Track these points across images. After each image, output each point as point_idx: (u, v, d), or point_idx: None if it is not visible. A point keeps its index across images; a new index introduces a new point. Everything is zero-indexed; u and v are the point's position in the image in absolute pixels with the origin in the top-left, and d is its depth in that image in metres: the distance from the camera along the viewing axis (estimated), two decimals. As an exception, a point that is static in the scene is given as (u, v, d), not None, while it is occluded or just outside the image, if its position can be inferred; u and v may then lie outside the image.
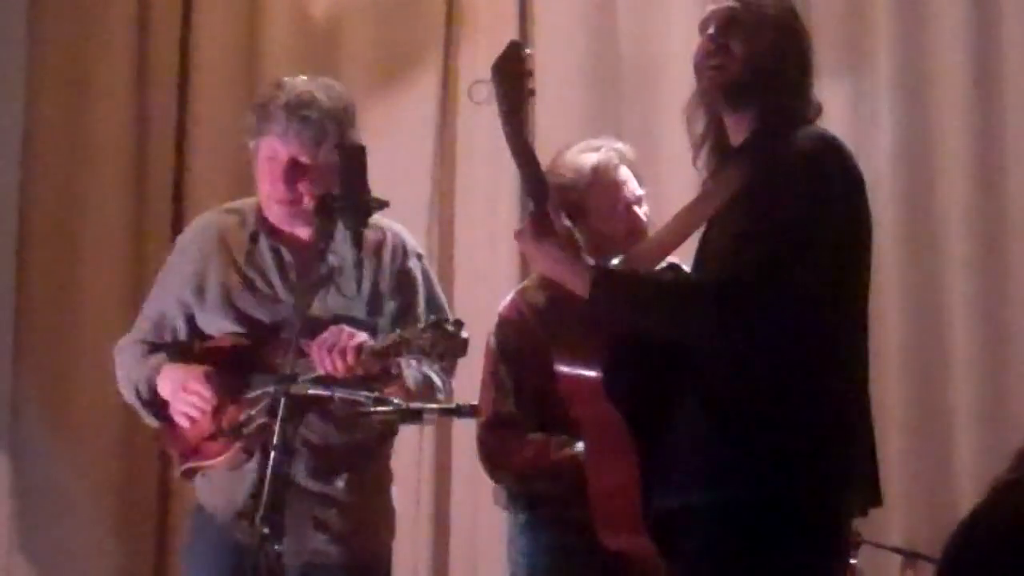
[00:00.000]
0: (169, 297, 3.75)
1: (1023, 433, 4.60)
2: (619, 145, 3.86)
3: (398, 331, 3.42)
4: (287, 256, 3.66)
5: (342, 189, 3.31)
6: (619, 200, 3.77)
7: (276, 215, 3.65)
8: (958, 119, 4.94)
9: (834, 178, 2.95)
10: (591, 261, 3.01)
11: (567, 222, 3.10)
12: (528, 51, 3.10)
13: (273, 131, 3.57)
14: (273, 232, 3.68)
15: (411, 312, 3.70)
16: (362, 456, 3.69)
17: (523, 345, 3.71)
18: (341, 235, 3.49)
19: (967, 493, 4.71)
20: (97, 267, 5.22)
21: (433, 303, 3.77)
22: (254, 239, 3.67)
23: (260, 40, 5.51)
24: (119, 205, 5.37)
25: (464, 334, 3.33)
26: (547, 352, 3.34)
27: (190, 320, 3.71)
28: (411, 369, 3.58)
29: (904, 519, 4.73)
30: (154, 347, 3.73)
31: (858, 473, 2.96)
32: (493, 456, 3.77)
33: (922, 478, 4.78)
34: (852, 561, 4.11)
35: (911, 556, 4.39)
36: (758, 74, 3.00)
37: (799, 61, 3.06)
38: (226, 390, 3.55)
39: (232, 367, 3.59)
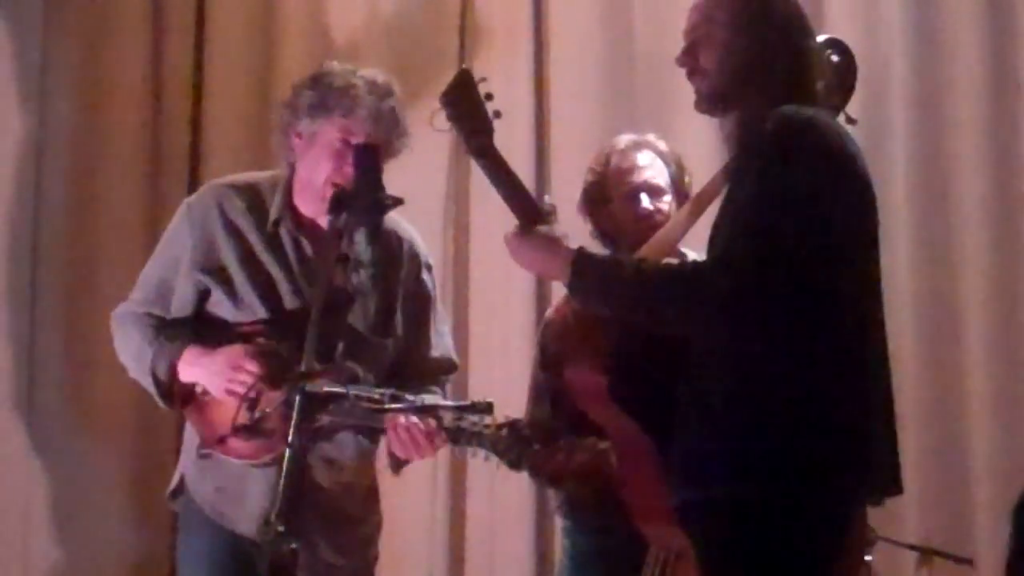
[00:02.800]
0: (176, 265, 3.66)
1: (1039, 430, 4.68)
2: (651, 136, 3.87)
3: (472, 422, 3.40)
4: (307, 249, 3.62)
5: (357, 186, 3.31)
6: (626, 184, 3.77)
7: (318, 201, 3.54)
8: (973, 116, 4.93)
9: (798, 152, 2.92)
10: (572, 247, 3.03)
11: (557, 228, 3.11)
12: (482, 78, 3.13)
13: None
14: (297, 221, 3.63)
15: (423, 331, 3.71)
16: (367, 467, 3.71)
17: (563, 349, 3.72)
18: (358, 235, 3.49)
19: (983, 490, 4.71)
20: (113, 261, 5.22)
21: (437, 317, 3.77)
22: (276, 225, 3.62)
23: (274, 54, 5.50)
24: (135, 200, 5.37)
25: (536, 446, 3.40)
26: (587, 356, 3.36)
27: (201, 295, 3.63)
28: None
29: (919, 516, 4.73)
30: (161, 321, 3.66)
31: (862, 466, 2.94)
32: (531, 464, 3.80)
33: (937, 475, 4.78)
34: (867, 558, 4.11)
35: (926, 553, 4.38)
36: (730, 80, 3.04)
37: (774, 48, 3.04)
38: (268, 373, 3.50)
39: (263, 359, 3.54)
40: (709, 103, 3.09)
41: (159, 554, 5.05)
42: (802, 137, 2.94)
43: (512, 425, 3.38)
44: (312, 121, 3.57)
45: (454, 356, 3.83)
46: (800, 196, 2.89)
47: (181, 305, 3.66)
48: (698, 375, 2.97)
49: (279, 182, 3.66)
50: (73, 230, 5.34)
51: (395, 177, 3.41)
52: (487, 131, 3.13)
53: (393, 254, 3.67)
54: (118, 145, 5.40)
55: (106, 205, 5.35)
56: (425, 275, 3.74)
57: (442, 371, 3.77)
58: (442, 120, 3.15)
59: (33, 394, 5.24)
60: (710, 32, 3.06)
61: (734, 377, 2.91)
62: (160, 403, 3.67)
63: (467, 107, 3.12)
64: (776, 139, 2.93)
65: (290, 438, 3.08)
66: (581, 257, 3.01)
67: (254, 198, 3.66)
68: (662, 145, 3.86)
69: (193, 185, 5.30)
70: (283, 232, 3.62)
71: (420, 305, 3.73)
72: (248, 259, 3.61)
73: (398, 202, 3.32)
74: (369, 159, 3.30)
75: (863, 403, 2.95)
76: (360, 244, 3.52)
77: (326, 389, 3.23)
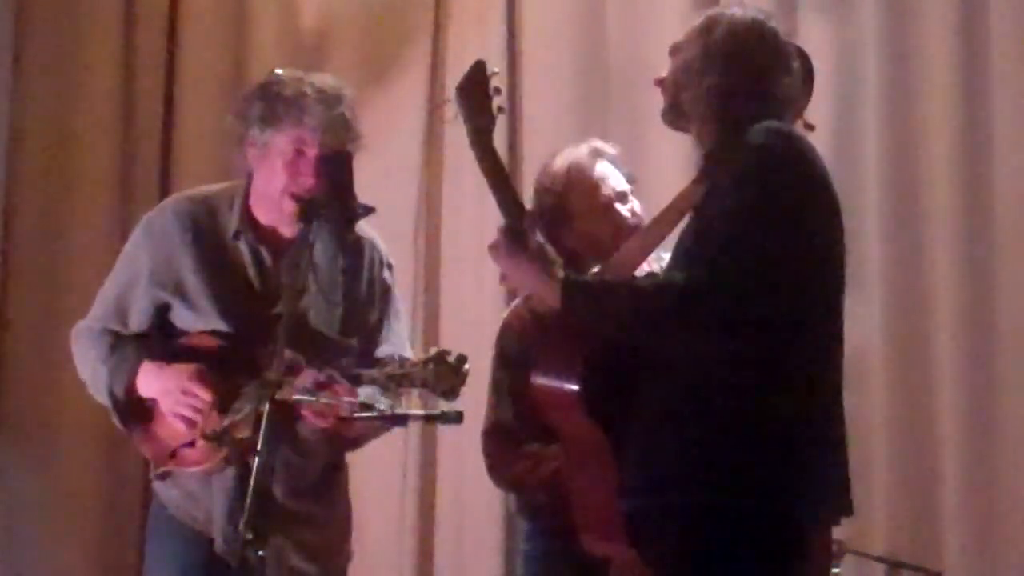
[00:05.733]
0: (135, 281, 3.66)
1: (1007, 442, 4.68)
2: (597, 143, 3.84)
3: (397, 363, 3.37)
4: (267, 259, 3.61)
5: (328, 194, 3.31)
6: (597, 199, 3.75)
7: (276, 211, 3.56)
8: (944, 121, 4.92)
9: (782, 168, 2.97)
10: (562, 273, 3.03)
11: (540, 238, 3.10)
12: (494, 71, 3.12)
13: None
14: (256, 230, 3.62)
15: (381, 327, 3.70)
16: (332, 471, 3.69)
17: (522, 352, 3.71)
18: (324, 241, 3.48)
19: (950, 502, 4.71)
20: (83, 266, 5.20)
21: (397, 316, 3.77)
22: (236, 236, 3.61)
23: (247, 45, 5.50)
24: (105, 205, 5.37)
25: (466, 368, 3.30)
26: (554, 364, 3.32)
27: (160, 310, 3.63)
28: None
29: (887, 528, 4.72)
30: (117, 337, 3.66)
31: (819, 482, 2.96)
32: (492, 465, 3.79)
33: (905, 487, 4.78)
34: (835, 570, 4.11)
35: (894, 565, 4.38)
36: (679, 97, 3.11)
37: (747, 69, 3.09)
38: (218, 392, 3.50)
39: (216, 369, 3.54)
40: (664, 118, 3.17)
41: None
42: (788, 150, 2.99)
43: (437, 357, 3.30)
44: (263, 131, 3.55)
45: (407, 355, 3.78)
46: (785, 209, 2.94)
47: (139, 320, 3.66)
48: (663, 383, 2.98)
49: (237, 192, 3.65)
50: (44, 233, 5.34)
51: (366, 184, 3.39)
52: (489, 126, 3.10)
53: (356, 256, 3.68)
54: (89, 144, 5.40)
55: (76, 208, 5.36)
56: (386, 274, 3.75)
57: None
58: (451, 112, 3.12)
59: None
60: (682, 53, 3.13)
61: (701, 387, 2.93)
62: (116, 422, 3.67)
63: (478, 100, 3.09)
64: (762, 151, 2.97)
65: (259, 446, 3.08)
66: (572, 284, 3.00)
67: (213, 211, 3.65)
68: (610, 149, 3.83)
69: (163, 191, 5.30)
70: (242, 243, 3.61)
71: (379, 304, 3.72)
72: (207, 271, 3.60)
73: (369, 211, 3.32)
74: (339, 167, 3.30)
75: (822, 423, 2.98)
76: (328, 252, 3.52)
77: (295, 397, 3.23)
